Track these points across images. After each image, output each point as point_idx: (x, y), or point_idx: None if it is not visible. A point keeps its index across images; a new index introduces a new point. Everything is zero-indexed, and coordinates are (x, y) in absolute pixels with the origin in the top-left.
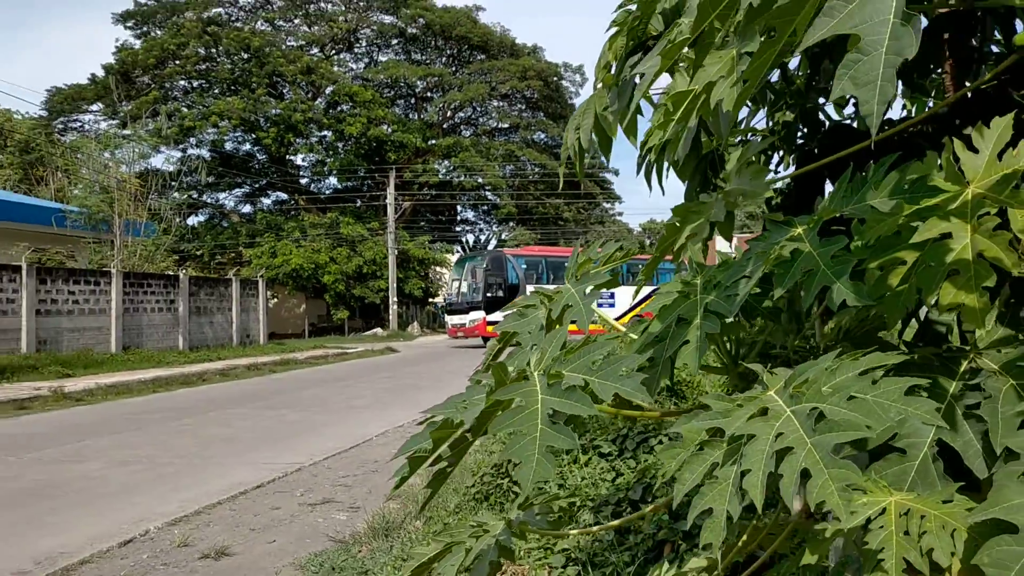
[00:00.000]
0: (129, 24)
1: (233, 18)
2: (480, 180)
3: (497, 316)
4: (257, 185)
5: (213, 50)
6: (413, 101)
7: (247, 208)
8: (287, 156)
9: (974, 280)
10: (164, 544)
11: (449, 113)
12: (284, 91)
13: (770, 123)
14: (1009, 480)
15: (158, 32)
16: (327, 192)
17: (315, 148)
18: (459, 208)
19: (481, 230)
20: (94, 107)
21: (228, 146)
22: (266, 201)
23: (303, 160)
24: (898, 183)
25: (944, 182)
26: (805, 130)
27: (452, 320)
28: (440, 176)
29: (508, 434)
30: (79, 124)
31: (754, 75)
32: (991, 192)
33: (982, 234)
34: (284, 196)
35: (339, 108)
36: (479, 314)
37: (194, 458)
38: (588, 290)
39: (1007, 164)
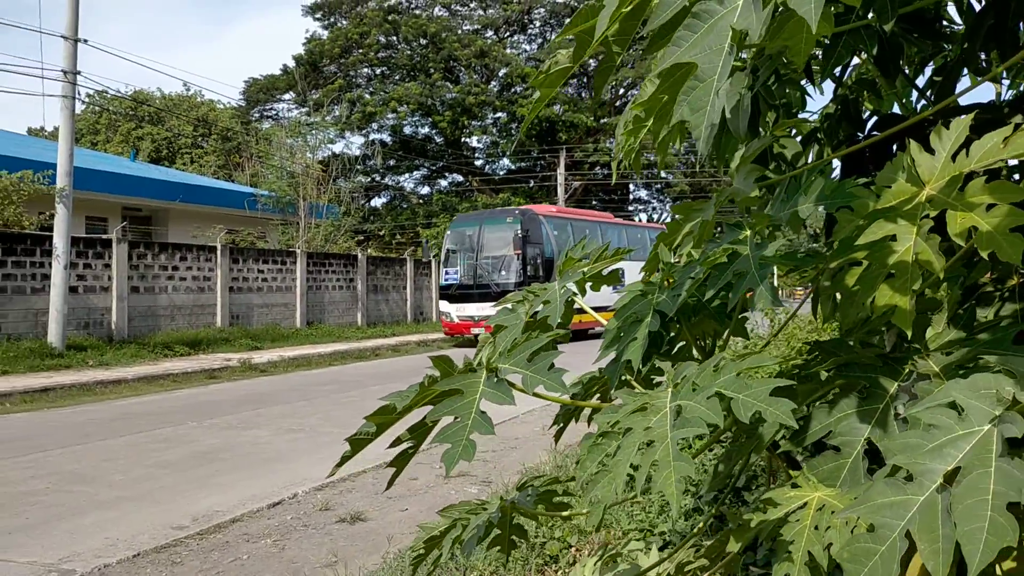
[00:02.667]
0: (317, 16)
1: (412, 5)
2: (652, 158)
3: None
4: (434, 167)
5: (393, 37)
6: (585, 80)
7: (425, 190)
8: (462, 139)
9: (909, 283)
10: (308, 507)
11: (621, 91)
12: (459, 75)
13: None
14: (879, 480)
15: (343, 22)
16: (500, 173)
17: (488, 130)
18: (631, 187)
19: (654, 208)
20: (286, 96)
21: (407, 130)
22: (442, 183)
23: (477, 142)
24: (822, 189)
25: (873, 188)
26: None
27: (455, 310)
28: (611, 155)
29: (429, 422)
30: (273, 112)
31: (671, 90)
32: (941, 194)
33: (920, 237)
34: (459, 178)
35: (512, 90)
36: None
37: (351, 428)
38: (565, 288)
39: (958, 166)
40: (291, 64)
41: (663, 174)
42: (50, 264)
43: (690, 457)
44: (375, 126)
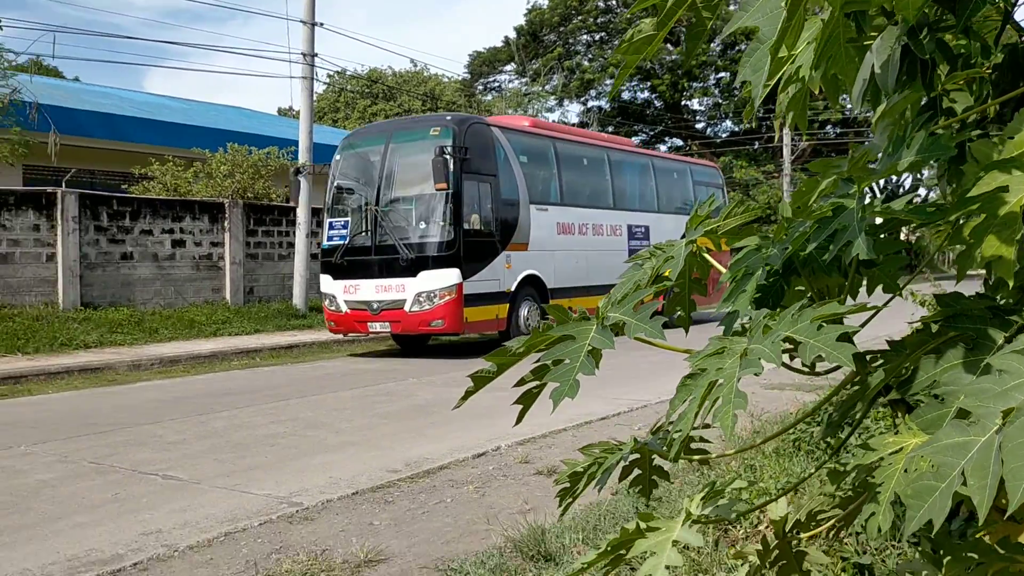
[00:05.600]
0: None
1: None
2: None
3: (484, 280)
4: (653, 132)
5: (612, 1)
6: None
7: None
8: (682, 102)
9: (1014, 233)
10: (509, 459)
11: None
12: (680, 35)
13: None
14: (948, 423)
15: None
16: (722, 136)
17: (710, 92)
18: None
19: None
20: (507, 67)
21: (625, 96)
22: (662, 147)
23: (699, 104)
24: (922, 143)
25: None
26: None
27: (342, 291)
28: (843, 114)
29: (553, 361)
30: (496, 84)
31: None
32: None
33: None
34: (679, 142)
35: (736, 48)
36: (442, 276)
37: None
38: (690, 242)
39: None
40: (512, 35)
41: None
42: (294, 233)
43: (746, 396)
44: (593, 93)
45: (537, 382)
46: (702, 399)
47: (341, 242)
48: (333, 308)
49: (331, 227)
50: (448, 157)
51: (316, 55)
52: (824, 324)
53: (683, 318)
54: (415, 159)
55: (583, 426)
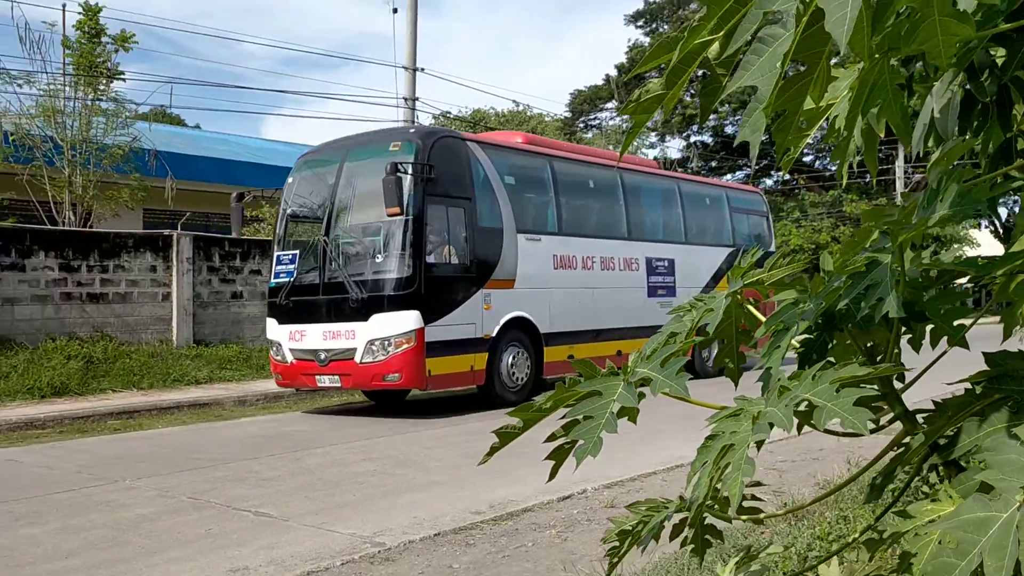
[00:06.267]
0: (639, 23)
1: None
2: None
3: (454, 325)
4: (759, 166)
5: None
6: None
7: None
8: None
9: None
10: (595, 503)
11: None
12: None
13: None
14: (970, 497)
15: (664, 27)
16: (831, 169)
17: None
18: None
19: (1015, 201)
20: (608, 104)
21: (728, 130)
22: (768, 182)
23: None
24: (954, 197)
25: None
26: None
27: (288, 336)
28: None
29: (580, 417)
30: (596, 121)
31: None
32: None
33: None
34: (787, 176)
35: None
36: (398, 320)
37: (648, 430)
38: (731, 293)
39: None
40: (613, 73)
41: None
42: None
43: (754, 463)
44: (694, 128)
45: (566, 439)
46: (715, 464)
47: (288, 279)
48: (279, 358)
49: (279, 262)
50: (404, 176)
51: (417, 99)
52: (843, 387)
53: (731, 370)
54: (372, 180)
55: (674, 469)
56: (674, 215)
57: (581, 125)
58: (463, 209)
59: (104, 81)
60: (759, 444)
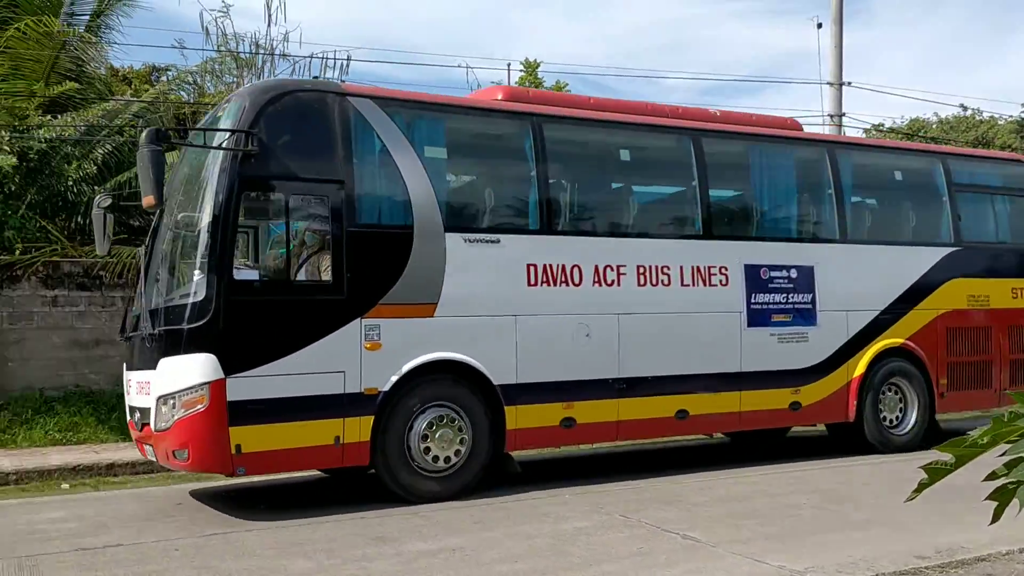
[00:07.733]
0: None
1: None
2: None
3: (295, 374)
4: None
5: None
6: None
7: None
8: None
9: None
10: None
11: None
12: None
13: None
14: None
15: None
16: None
17: None
18: None
19: None
20: None
21: None
22: None
23: None
24: None
25: None
26: None
27: (127, 390)
28: None
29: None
30: None
31: None
32: None
33: None
34: None
35: None
36: (184, 369)
37: None
38: None
39: None
40: None
41: None
42: None
43: None
44: None
45: (1009, 479)
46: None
47: (129, 309)
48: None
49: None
50: (158, 149)
51: (844, 114)
52: None
53: None
54: (197, 164)
55: None
56: (823, 198)
57: None
58: (324, 197)
59: None
60: None
